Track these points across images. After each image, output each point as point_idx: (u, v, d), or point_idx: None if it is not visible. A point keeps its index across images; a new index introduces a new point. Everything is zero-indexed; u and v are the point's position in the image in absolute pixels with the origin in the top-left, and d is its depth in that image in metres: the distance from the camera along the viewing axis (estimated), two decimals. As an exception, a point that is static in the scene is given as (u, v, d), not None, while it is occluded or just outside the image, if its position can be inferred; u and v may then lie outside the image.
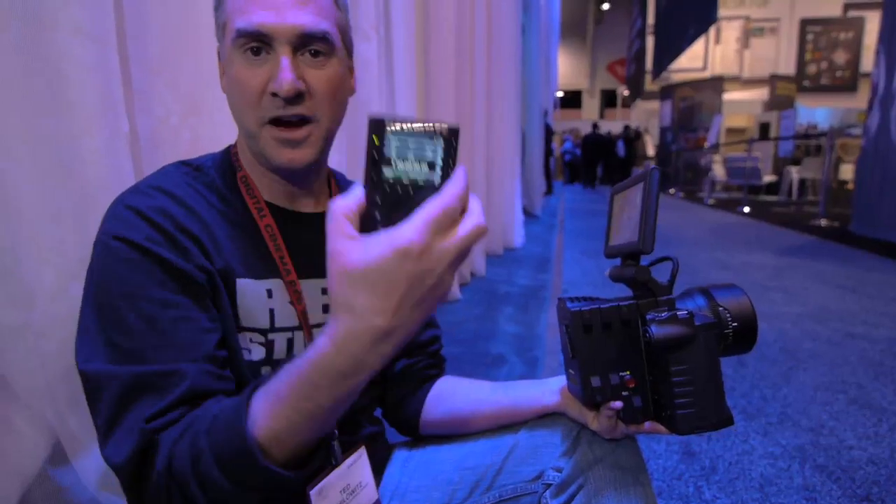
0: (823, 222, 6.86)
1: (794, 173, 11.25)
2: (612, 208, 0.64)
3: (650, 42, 17.04)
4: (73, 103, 0.91)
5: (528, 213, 7.31)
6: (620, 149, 15.09)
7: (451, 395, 0.82)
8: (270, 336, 0.66)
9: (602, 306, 0.58)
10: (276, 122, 0.62)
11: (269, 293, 0.66)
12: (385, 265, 0.41)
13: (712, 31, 15.88)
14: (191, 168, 0.68)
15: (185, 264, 0.58)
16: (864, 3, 15.65)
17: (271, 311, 0.66)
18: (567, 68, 22.93)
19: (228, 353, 0.62)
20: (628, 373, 0.60)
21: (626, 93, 22.77)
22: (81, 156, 0.92)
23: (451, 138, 0.42)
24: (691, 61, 16.95)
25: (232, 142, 0.73)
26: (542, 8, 8.14)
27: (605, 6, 23.81)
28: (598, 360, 0.59)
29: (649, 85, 18.32)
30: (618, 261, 0.63)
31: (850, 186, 9.89)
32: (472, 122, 3.64)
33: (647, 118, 19.17)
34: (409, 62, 2.40)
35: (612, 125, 19.46)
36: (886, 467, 1.50)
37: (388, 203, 0.42)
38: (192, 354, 0.56)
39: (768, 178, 11.66)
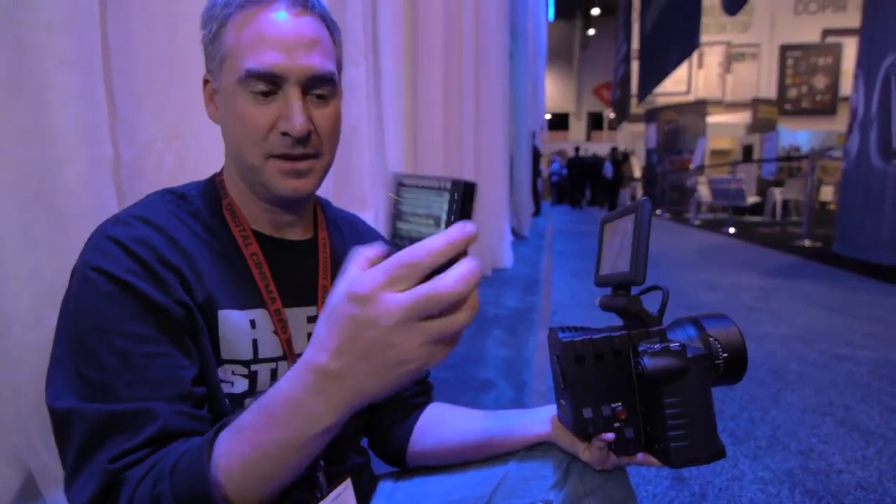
0: (807, 243, 6.95)
1: (778, 194, 11.44)
2: (603, 237, 0.64)
3: (635, 66, 17.40)
4: (56, 131, 0.90)
5: (516, 234, 7.35)
6: (608, 170, 15.28)
7: (439, 424, 0.80)
8: (253, 367, 0.65)
9: (594, 337, 0.58)
10: (283, 156, 0.63)
11: (253, 324, 0.65)
12: (335, 302, 0.40)
13: (695, 56, 16.26)
14: (175, 196, 0.67)
15: (164, 298, 0.57)
16: (841, 30, 16.14)
17: (254, 342, 0.65)
18: (554, 92, 23.30)
19: (208, 389, 0.60)
20: (620, 404, 0.59)
21: (612, 116, 23.14)
22: (63, 184, 0.92)
23: (454, 193, 0.40)
24: (675, 85, 17.31)
25: (217, 168, 0.73)
26: (529, 33, 8.30)
27: (591, 32, 24.33)
28: (590, 391, 0.58)
29: (635, 108, 18.66)
30: (608, 290, 0.63)
31: (832, 207, 10.07)
32: (461, 144, 3.67)
33: (633, 140, 19.48)
34: (397, 88, 2.42)
35: (599, 147, 19.73)
36: (875, 492, 1.50)
37: None
38: (166, 392, 0.55)
39: (752, 199, 11.84)
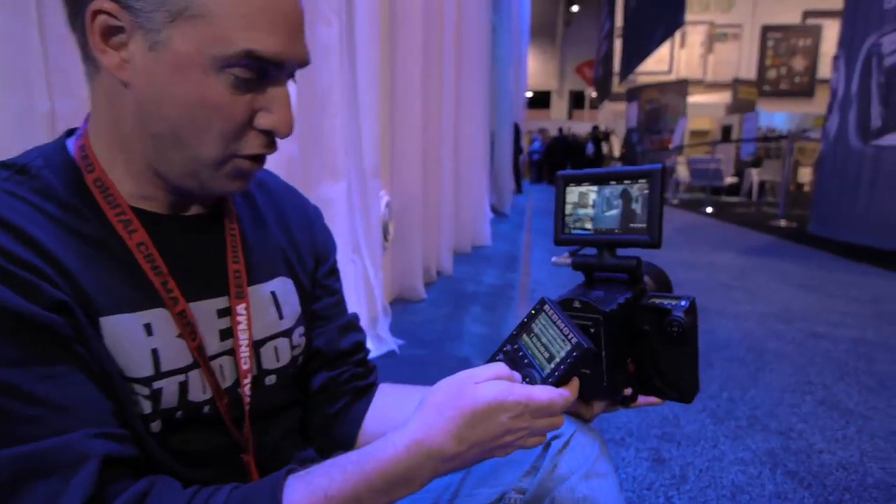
0: (783, 223, 7.02)
1: (755, 175, 11.53)
2: (568, 196, 0.63)
3: (618, 45, 17.24)
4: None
5: (497, 211, 7.27)
6: (590, 149, 15.31)
7: (398, 408, 0.71)
8: (157, 385, 0.51)
9: (621, 301, 0.59)
10: (253, 157, 0.53)
11: (149, 329, 0.51)
12: (476, 401, 0.47)
13: (678, 35, 16.16)
14: (11, 171, 0.50)
15: (33, 307, 0.44)
16: (821, 12, 16.17)
17: (154, 353, 0.51)
18: (536, 69, 23.06)
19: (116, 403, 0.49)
20: (629, 359, 0.62)
21: (593, 94, 23.03)
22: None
23: (574, 351, 0.50)
24: (657, 64, 17.22)
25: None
26: (512, 8, 8.10)
27: (575, 8, 24.04)
28: (619, 354, 0.60)
29: (616, 87, 18.53)
30: (567, 248, 0.67)
31: (807, 189, 10.19)
32: (440, 118, 3.55)
33: (615, 119, 19.42)
34: (372, 53, 2.29)
35: (580, 126, 19.66)
36: (857, 472, 1.47)
37: (509, 357, 0.54)
38: (79, 418, 0.45)
39: (729, 179, 11.92)
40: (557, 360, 0.50)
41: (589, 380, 0.60)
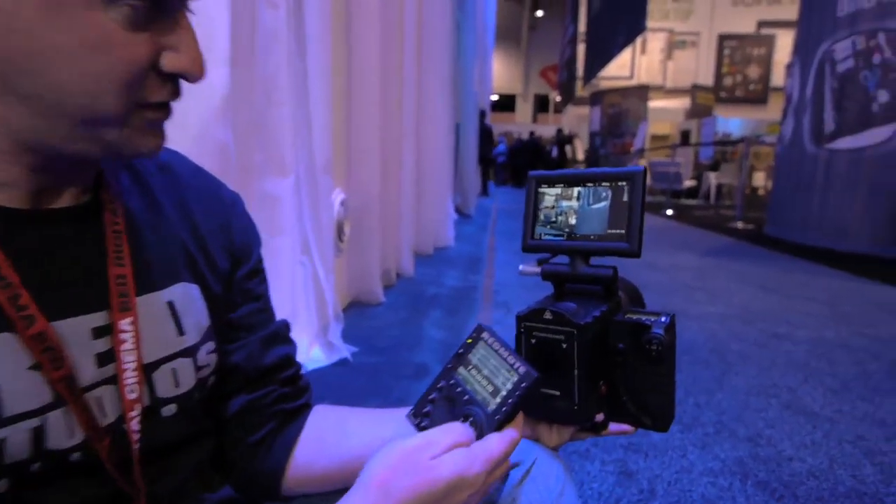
0: (740, 225, 7.17)
1: (713, 178, 11.82)
2: (540, 199, 0.57)
3: (581, 49, 17.47)
4: None
5: (461, 212, 7.19)
6: (554, 152, 15.51)
7: (339, 434, 0.60)
8: None
9: (596, 314, 0.52)
10: (158, 105, 0.42)
11: None
12: (453, 487, 0.41)
13: (639, 41, 16.51)
14: None
15: None
16: (775, 22, 16.76)
17: None
18: (502, 73, 23.19)
19: None
20: (602, 381, 0.55)
21: (558, 98, 23.29)
22: None
23: (523, 382, 0.44)
24: (619, 69, 17.55)
25: None
26: (477, 6, 8.04)
27: (539, 13, 24.28)
28: (592, 373, 0.53)
29: (580, 91, 18.80)
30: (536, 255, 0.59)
31: (762, 192, 10.49)
32: (401, 112, 3.43)
33: (578, 123, 19.68)
34: (324, 39, 2.15)
35: (545, 129, 19.84)
36: (828, 480, 1.42)
37: (445, 395, 0.47)
38: None
39: (688, 182, 12.19)
40: (504, 392, 0.45)
41: (558, 403, 0.53)
